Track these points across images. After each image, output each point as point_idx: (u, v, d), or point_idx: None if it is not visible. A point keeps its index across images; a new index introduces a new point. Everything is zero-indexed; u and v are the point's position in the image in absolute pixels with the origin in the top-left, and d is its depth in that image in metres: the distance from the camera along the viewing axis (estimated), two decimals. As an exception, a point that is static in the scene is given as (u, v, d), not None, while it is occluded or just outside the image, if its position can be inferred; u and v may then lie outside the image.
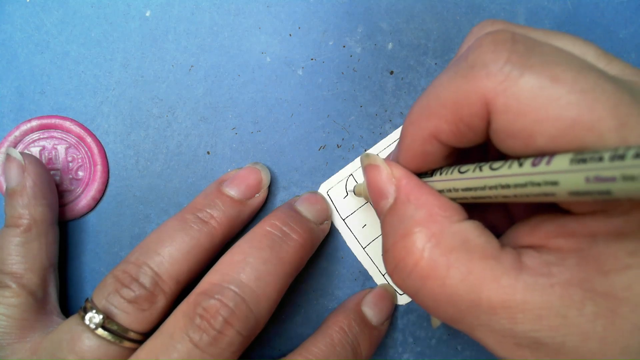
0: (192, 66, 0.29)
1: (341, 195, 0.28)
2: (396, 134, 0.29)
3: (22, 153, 0.25)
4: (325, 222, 0.27)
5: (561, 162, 0.14)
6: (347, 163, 0.29)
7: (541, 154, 0.15)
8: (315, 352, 0.24)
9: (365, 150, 0.29)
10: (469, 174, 0.17)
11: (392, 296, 0.28)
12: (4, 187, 0.28)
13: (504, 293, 0.15)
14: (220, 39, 0.29)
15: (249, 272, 0.22)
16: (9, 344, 0.23)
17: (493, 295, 0.16)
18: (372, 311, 0.27)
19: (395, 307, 0.28)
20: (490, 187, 0.16)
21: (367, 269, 0.28)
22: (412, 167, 0.19)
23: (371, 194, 0.20)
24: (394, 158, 0.20)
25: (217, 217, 0.25)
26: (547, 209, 0.17)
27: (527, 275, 0.16)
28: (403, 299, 0.28)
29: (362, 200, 0.28)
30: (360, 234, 0.28)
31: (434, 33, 0.29)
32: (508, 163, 0.16)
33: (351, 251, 0.28)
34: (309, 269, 0.28)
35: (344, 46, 0.29)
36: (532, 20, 0.29)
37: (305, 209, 0.26)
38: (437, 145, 0.18)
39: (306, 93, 0.29)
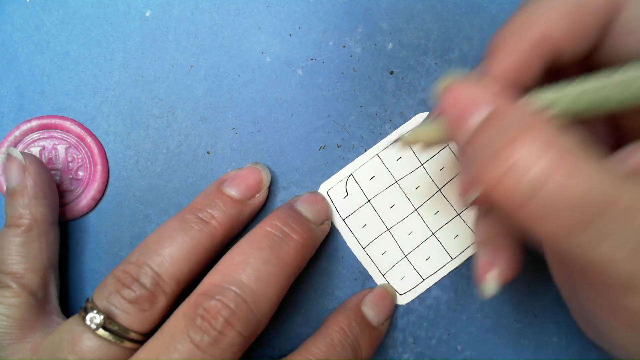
0: (192, 66, 0.29)
1: (341, 195, 0.28)
2: (396, 133, 0.29)
3: (22, 153, 0.25)
4: (326, 222, 0.27)
5: None
6: (347, 163, 0.29)
7: None
8: (315, 353, 0.24)
9: (366, 150, 0.29)
10: (577, 82, 0.16)
11: (392, 296, 0.28)
12: (5, 187, 0.28)
13: (633, 195, 0.14)
14: (220, 39, 0.29)
15: (250, 272, 0.22)
16: (10, 344, 0.23)
17: (622, 197, 0.14)
18: (372, 311, 0.27)
19: (395, 307, 0.28)
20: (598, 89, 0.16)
21: (367, 269, 0.28)
22: (504, 85, 0.18)
23: (456, 110, 0.18)
24: (480, 76, 0.18)
25: (218, 217, 0.25)
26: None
27: None
28: (403, 299, 0.28)
29: (362, 200, 0.28)
30: (360, 234, 0.28)
31: (434, 33, 0.29)
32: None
33: (351, 251, 0.29)
34: (309, 269, 0.28)
35: (344, 46, 0.29)
36: (532, 21, 0.29)
37: (306, 209, 0.26)
38: (542, 54, 0.16)
39: (306, 93, 0.29)
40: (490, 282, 0.22)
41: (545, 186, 0.15)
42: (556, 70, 0.18)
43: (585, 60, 0.18)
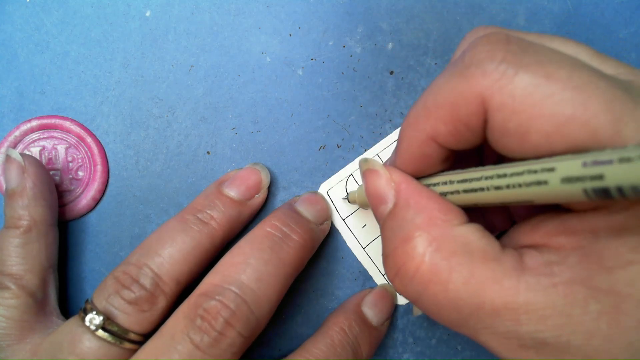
0: (192, 66, 0.29)
1: (341, 195, 0.28)
2: (396, 134, 0.29)
3: (21, 154, 0.25)
4: (325, 222, 0.27)
5: (563, 157, 0.14)
6: (347, 163, 0.29)
7: (536, 154, 0.15)
8: (315, 353, 0.24)
9: (366, 150, 0.29)
10: (467, 172, 0.17)
11: (392, 296, 0.28)
12: (4, 188, 0.28)
13: (507, 295, 0.15)
14: (220, 39, 0.29)
15: (250, 273, 0.22)
16: (9, 345, 0.23)
17: (496, 297, 0.15)
18: (372, 311, 0.27)
19: (395, 307, 0.28)
20: (487, 178, 0.16)
21: (367, 269, 0.28)
22: (410, 171, 0.19)
23: (370, 199, 0.20)
24: (392, 162, 0.20)
25: (217, 218, 0.25)
26: (548, 208, 0.17)
27: (529, 276, 0.16)
28: (403, 299, 0.28)
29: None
30: (360, 234, 0.28)
31: (434, 33, 0.29)
32: (506, 163, 0.16)
33: (351, 251, 0.29)
34: (309, 269, 0.28)
35: (344, 46, 0.29)
36: (532, 20, 0.29)
37: (305, 209, 0.26)
38: (435, 147, 0.18)
39: (306, 93, 0.29)
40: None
41: (425, 291, 0.17)
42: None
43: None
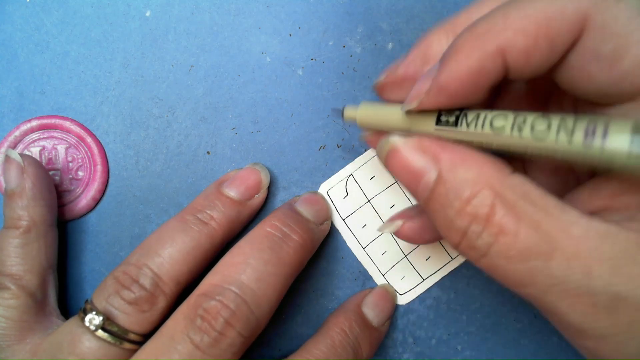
0: (192, 66, 0.29)
1: (341, 195, 0.28)
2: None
3: (21, 154, 0.25)
4: (325, 222, 0.27)
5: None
6: (347, 163, 0.29)
7: (619, 87, 0.15)
8: (316, 354, 0.24)
9: (366, 150, 0.29)
10: (507, 134, 0.17)
11: (393, 296, 0.28)
12: (3, 188, 0.28)
13: (577, 243, 0.15)
14: (220, 39, 0.29)
15: (250, 273, 0.22)
16: (9, 346, 0.23)
17: (566, 245, 0.15)
18: (372, 312, 0.27)
19: (396, 307, 0.28)
20: (532, 149, 0.16)
21: (367, 269, 0.28)
22: (454, 90, 0.18)
23: (405, 179, 0.19)
24: (430, 75, 0.19)
25: (217, 218, 0.25)
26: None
27: (598, 223, 0.15)
28: (403, 299, 0.28)
29: (362, 200, 0.28)
30: (360, 234, 0.28)
31: (434, 33, 0.29)
32: (555, 127, 0.15)
33: (351, 251, 0.29)
34: (309, 269, 0.28)
35: (344, 46, 0.29)
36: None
37: (305, 209, 0.26)
38: (497, 65, 0.17)
39: (306, 93, 0.29)
40: (391, 226, 0.24)
41: (495, 243, 0.16)
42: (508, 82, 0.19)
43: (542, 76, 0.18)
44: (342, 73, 0.29)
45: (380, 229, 0.24)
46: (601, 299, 0.15)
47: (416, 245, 0.28)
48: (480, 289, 0.28)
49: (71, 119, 0.29)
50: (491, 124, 0.17)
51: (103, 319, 0.22)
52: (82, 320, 0.23)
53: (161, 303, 0.23)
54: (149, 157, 0.29)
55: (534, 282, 0.16)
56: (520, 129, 0.16)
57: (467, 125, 0.18)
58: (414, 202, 0.28)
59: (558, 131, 0.15)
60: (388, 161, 0.19)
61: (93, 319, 0.22)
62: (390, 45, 0.29)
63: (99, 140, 0.29)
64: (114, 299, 0.23)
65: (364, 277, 0.29)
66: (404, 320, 0.28)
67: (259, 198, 0.27)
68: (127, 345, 0.23)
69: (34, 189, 0.25)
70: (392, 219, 0.24)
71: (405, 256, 0.28)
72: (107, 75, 0.29)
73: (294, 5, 0.29)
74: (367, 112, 0.23)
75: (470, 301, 0.28)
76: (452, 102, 0.18)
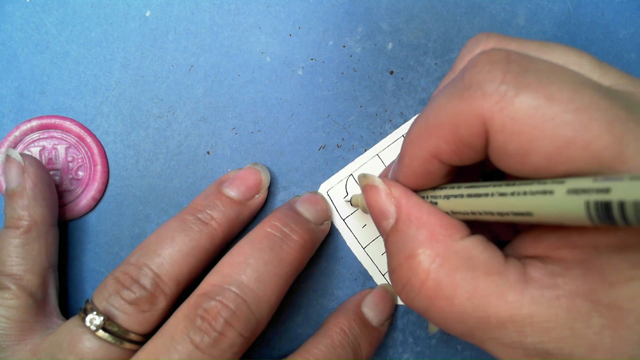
0: (192, 66, 0.29)
1: (341, 195, 0.28)
2: (396, 134, 0.29)
3: (22, 154, 0.25)
4: (325, 222, 0.27)
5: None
6: (347, 163, 0.29)
7: (537, 175, 0.15)
8: (315, 353, 0.24)
9: (366, 150, 0.29)
10: (472, 185, 0.18)
11: (392, 296, 0.28)
12: (4, 188, 0.28)
13: (511, 308, 0.16)
14: (220, 39, 0.29)
15: (250, 273, 0.22)
16: (9, 346, 0.23)
17: (500, 311, 0.16)
18: (372, 312, 0.27)
19: (396, 307, 0.28)
20: (494, 186, 0.16)
21: (367, 269, 0.28)
22: (413, 185, 0.19)
23: (372, 214, 0.20)
24: (393, 175, 0.20)
25: (217, 218, 0.25)
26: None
27: (533, 289, 0.16)
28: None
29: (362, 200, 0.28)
30: (360, 234, 0.28)
31: (434, 33, 0.29)
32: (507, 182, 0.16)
33: (351, 251, 0.29)
34: (309, 269, 0.28)
35: (344, 46, 0.29)
36: (532, 20, 0.29)
37: (305, 209, 0.26)
38: (437, 164, 0.18)
39: (306, 93, 0.29)
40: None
41: (431, 306, 0.17)
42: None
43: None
44: (342, 73, 0.29)
45: (432, 331, 0.27)
46: (532, 352, 0.16)
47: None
48: (480, 289, 0.28)
49: (71, 119, 0.29)
50: (457, 187, 0.18)
51: (104, 319, 0.22)
52: (83, 320, 0.23)
53: (161, 303, 0.23)
54: (149, 157, 0.29)
55: (472, 336, 0.17)
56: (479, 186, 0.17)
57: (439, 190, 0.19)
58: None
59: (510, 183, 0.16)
60: (364, 191, 0.21)
61: (94, 319, 0.22)
62: (390, 45, 0.29)
63: (99, 140, 0.29)
64: (114, 299, 0.23)
65: (364, 277, 0.29)
66: (404, 320, 0.28)
67: (259, 198, 0.27)
68: (128, 345, 0.23)
69: (35, 189, 0.25)
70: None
71: (405, 256, 0.28)
72: (107, 75, 0.29)
73: (294, 5, 0.29)
74: (358, 201, 0.26)
75: (470, 301, 0.28)
76: (419, 188, 0.20)
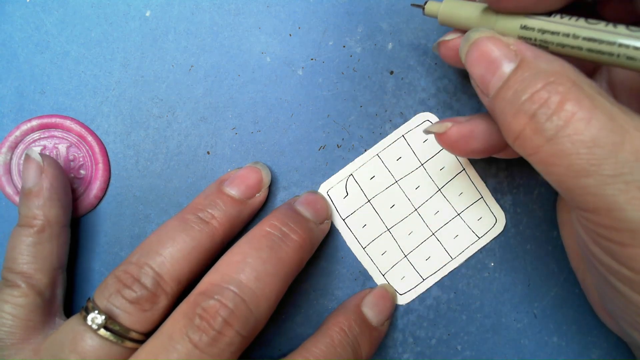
0: (192, 66, 0.29)
1: (341, 195, 0.28)
2: (396, 134, 0.29)
3: (41, 154, 0.25)
4: (325, 222, 0.27)
5: None
6: (347, 163, 0.29)
7: None
8: (315, 353, 0.24)
9: (365, 150, 0.29)
10: (600, 27, 0.18)
11: (393, 296, 0.28)
12: (5, 187, 0.28)
13: None
14: (220, 39, 0.29)
15: (249, 272, 0.22)
16: (13, 344, 0.23)
17: (637, 139, 0.15)
18: (372, 312, 0.27)
19: (396, 307, 0.28)
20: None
21: (367, 269, 0.28)
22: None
23: (481, 66, 0.19)
24: None
25: (218, 217, 0.25)
26: None
27: None
28: (403, 299, 0.28)
29: (362, 200, 0.28)
30: (360, 234, 0.28)
31: (434, 33, 0.29)
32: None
33: (351, 251, 0.29)
34: (309, 269, 0.28)
35: (344, 46, 0.29)
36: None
37: (305, 209, 0.26)
38: None
39: (306, 93, 0.29)
40: (438, 127, 0.24)
41: (567, 126, 0.16)
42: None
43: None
44: (342, 73, 0.29)
45: (427, 130, 0.24)
46: None
47: (416, 245, 0.28)
48: (480, 289, 0.28)
49: (71, 117, 0.29)
50: (586, 19, 0.18)
51: (105, 318, 0.22)
52: (84, 319, 0.23)
53: (162, 302, 0.23)
54: (149, 157, 0.29)
55: (598, 171, 0.16)
56: (614, 25, 0.17)
57: (561, 17, 0.19)
58: (415, 202, 0.28)
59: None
60: (470, 52, 0.20)
61: (95, 318, 0.22)
62: (390, 45, 0.29)
63: (100, 138, 0.29)
64: (115, 298, 0.23)
65: (364, 277, 0.29)
66: (404, 320, 0.28)
67: (260, 197, 0.27)
68: (129, 344, 0.23)
69: (51, 190, 0.25)
70: (441, 121, 0.24)
71: (405, 256, 0.28)
72: (107, 75, 0.29)
73: (294, 5, 0.29)
74: (451, 7, 0.23)
75: (470, 301, 0.28)
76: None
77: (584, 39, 0.18)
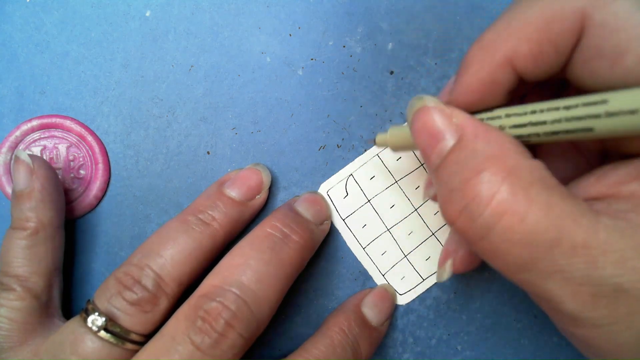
0: (192, 66, 0.29)
1: (341, 195, 0.29)
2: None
3: (31, 155, 0.25)
4: (325, 222, 0.27)
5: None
6: (347, 163, 0.29)
7: (624, 81, 0.15)
8: (315, 353, 0.24)
9: (365, 150, 0.29)
10: (533, 105, 0.17)
11: (392, 296, 0.28)
12: (5, 187, 0.28)
13: (586, 233, 0.15)
14: (220, 39, 0.29)
15: (250, 274, 0.22)
16: (11, 347, 0.23)
17: (575, 234, 0.15)
18: (372, 312, 0.27)
19: (396, 307, 0.28)
20: (552, 109, 0.16)
21: (367, 269, 0.28)
22: (470, 101, 0.18)
23: (423, 138, 0.18)
24: (450, 91, 0.19)
25: (219, 218, 0.25)
26: (615, 157, 0.17)
27: (606, 218, 0.15)
28: (403, 299, 0.28)
29: (362, 200, 0.28)
30: (360, 234, 0.28)
31: (434, 33, 0.29)
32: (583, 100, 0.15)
33: (351, 251, 0.29)
34: (309, 269, 0.28)
35: (344, 46, 0.29)
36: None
37: (305, 209, 0.26)
38: (508, 74, 0.17)
39: (306, 93, 0.29)
40: (446, 269, 0.23)
41: (498, 224, 0.15)
42: (527, 86, 0.19)
43: (559, 74, 0.18)
44: (342, 73, 0.29)
45: (440, 279, 0.24)
46: (602, 289, 0.15)
47: (416, 245, 0.28)
48: (480, 289, 0.28)
49: (71, 117, 0.29)
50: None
51: (105, 320, 0.22)
52: (85, 320, 0.23)
53: (163, 304, 0.23)
54: (149, 157, 0.29)
55: (535, 268, 0.15)
56: (555, 108, 0.16)
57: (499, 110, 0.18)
58: (415, 202, 0.28)
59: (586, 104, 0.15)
60: (414, 119, 0.19)
61: (96, 320, 0.22)
62: (390, 45, 0.29)
63: (100, 138, 0.29)
64: (116, 299, 0.23)
65: (364, 277, 0.29)
66: (404, 320, 0.28)
67: (260, 198, 0.27)
68: (129, 346, 0.23)
69: (43, 191, 0.25)
70: (441, 263, 0.23)
71: (405, 256, 0.28)
72: (107, 75, 0.29)
73: (294, 5, 0.29)
74: (397, 134, 0.23)
75: (470, 301, 0.28)
76: (475, 106, 0.18)
77: (530, 123, 0.17)
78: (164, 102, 0.29)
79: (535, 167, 0.16)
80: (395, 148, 0.24)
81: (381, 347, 0.28)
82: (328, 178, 0.29)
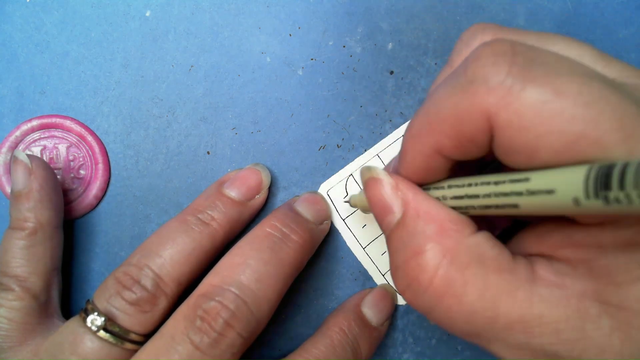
0: (192, 66, 0.29)
1: (341, 195, 0.29)
2: (396, 133, 0.29)
3: (29, 156, 0.25)
4: (325, 222, 0.27)
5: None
6: (347, 163, 0.29)
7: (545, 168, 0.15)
8: (315, 353, 0.24)
9: (365, 150, 0.29)
10: (467, 179, 0.17)
11: (392, 296, 0.28)
12: (6, 187, 0.28)
13: (521, 307, 0.15)
14: (220, 39, 0.29)
15: (250, 274, 0.22)
16: (10, 347, 0.23)
17: (510, 310, 0.15)
18: (372, 312, 0.27)
19: (395, 307, 0.28)
20: (485, 183, 0.16)
21: (367, 269, 0.28)
22: (415, 181, 0.19)
23: (374, 209, 0.19)
24: (394, 171, 0.20)
25: (218, 218, 0.25)
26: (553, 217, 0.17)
27: (542, 287, 0.15)
28: (403, 299, 0.28)
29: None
30: (360, 234, 0.28)
31: (434, 33, 0.29)
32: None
33: (351, 251, 0.29)
34: (309, 269, 0.28)
35: (344, 46, 0.29)
36: (532, 20, 0.29)
37: (305, 209, 0.26)
38: (440, 159, 0.17)
39: (306, 93, 0.29)
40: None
41: (439, 305, 0.16)
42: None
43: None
44: (342, 73, 0.29)
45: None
46: (540, 354, 0.15)
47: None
48: (480, 289, 0.28)
49: (71, 117, 0.29)
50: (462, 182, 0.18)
51: (105, 320, 0.22)
52: (84, 320, 0.23)
53: (162, 304, 0.23)
54: (149, 157, 0.29)
55: (478, 337, 0.16)
56: (487, 182, 0.16)
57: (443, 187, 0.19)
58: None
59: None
60: (366, 187, 0.20)
61: (95, 320, 0.22)
62: (390, 45, 0.29)
63: (100, 138, 0.29)
64: (115, 299, 0.23)
65: (364, 277, 0.29)
66: (404, 320, 0.28)
67: (260, 198, 0.27)
68: (129, 346, 0.23)
69: (41, 191, 0.25)
70: None
71: (405, 256, 0.28)
72: (107, 75, 0.29)
73: (294, 5, 0.29)
74: (362, 200, 0.25)
75: (470, 301, 0.28)
76: (421, 183, 0.19)
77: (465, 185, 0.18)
78: (164, 102, 0.29)
79: (474, 244, 0.17)
80: (365, 210, 0.27)
81: (381, 347, 0.28)
82: (328, 178, 0.29)
